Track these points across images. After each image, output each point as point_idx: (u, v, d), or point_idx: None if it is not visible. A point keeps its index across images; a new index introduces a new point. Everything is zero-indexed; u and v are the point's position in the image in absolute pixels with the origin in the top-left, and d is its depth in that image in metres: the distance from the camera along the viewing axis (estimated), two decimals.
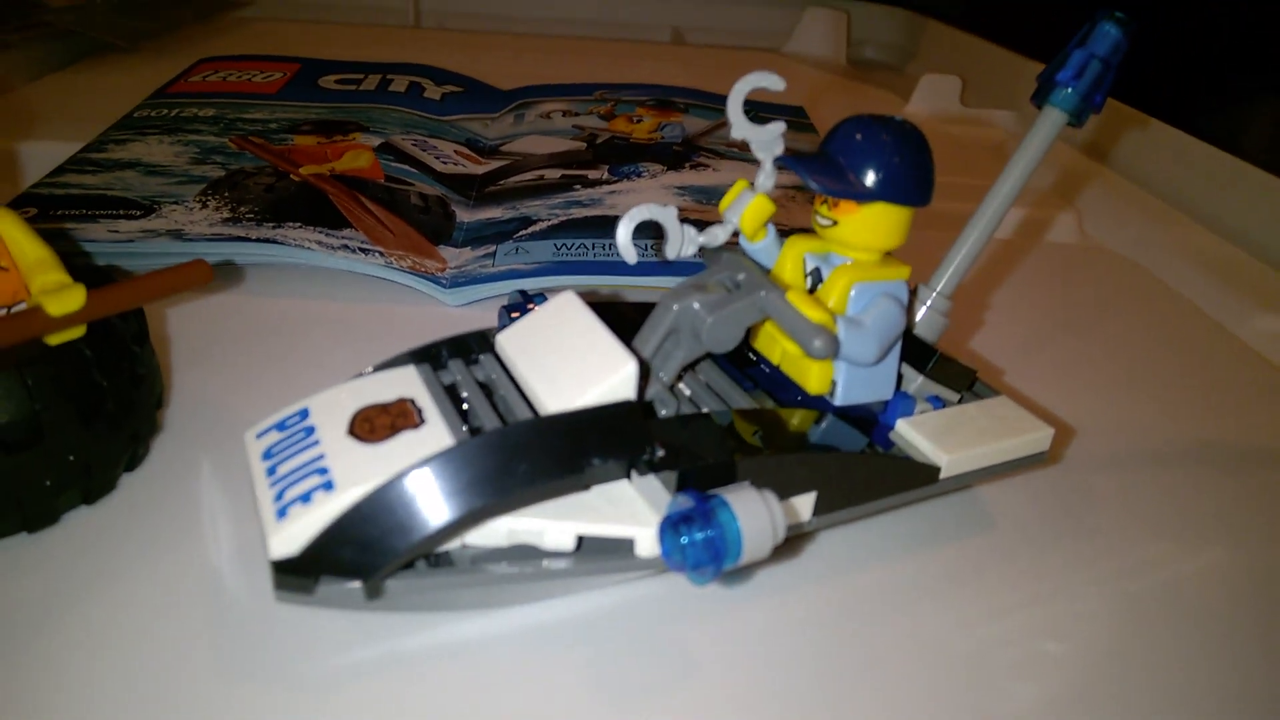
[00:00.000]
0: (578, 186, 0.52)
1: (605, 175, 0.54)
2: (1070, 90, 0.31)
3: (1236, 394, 0.43)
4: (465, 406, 0.28)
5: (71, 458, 0.28)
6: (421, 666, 0.26)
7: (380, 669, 0.25)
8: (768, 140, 0.30)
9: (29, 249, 0.29)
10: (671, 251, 0.31)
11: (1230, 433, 0.40)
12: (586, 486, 0.26)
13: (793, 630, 0.28)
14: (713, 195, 0.53)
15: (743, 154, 0.60)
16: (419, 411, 0.26)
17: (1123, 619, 0.29)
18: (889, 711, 0.26)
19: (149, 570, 0.28)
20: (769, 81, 0.30)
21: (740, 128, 0.30)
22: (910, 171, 0.28)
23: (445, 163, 0.54)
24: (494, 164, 0.56)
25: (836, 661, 0.27)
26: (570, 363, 0.27)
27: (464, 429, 0.26)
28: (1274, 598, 0.31)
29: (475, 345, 0.30)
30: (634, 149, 0.58)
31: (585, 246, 0.46)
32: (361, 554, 0.24)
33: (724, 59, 0.97)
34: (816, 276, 0.31)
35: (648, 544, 0.26)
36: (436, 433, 0.26)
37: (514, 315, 0.33)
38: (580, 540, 0.26)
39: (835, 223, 0.29)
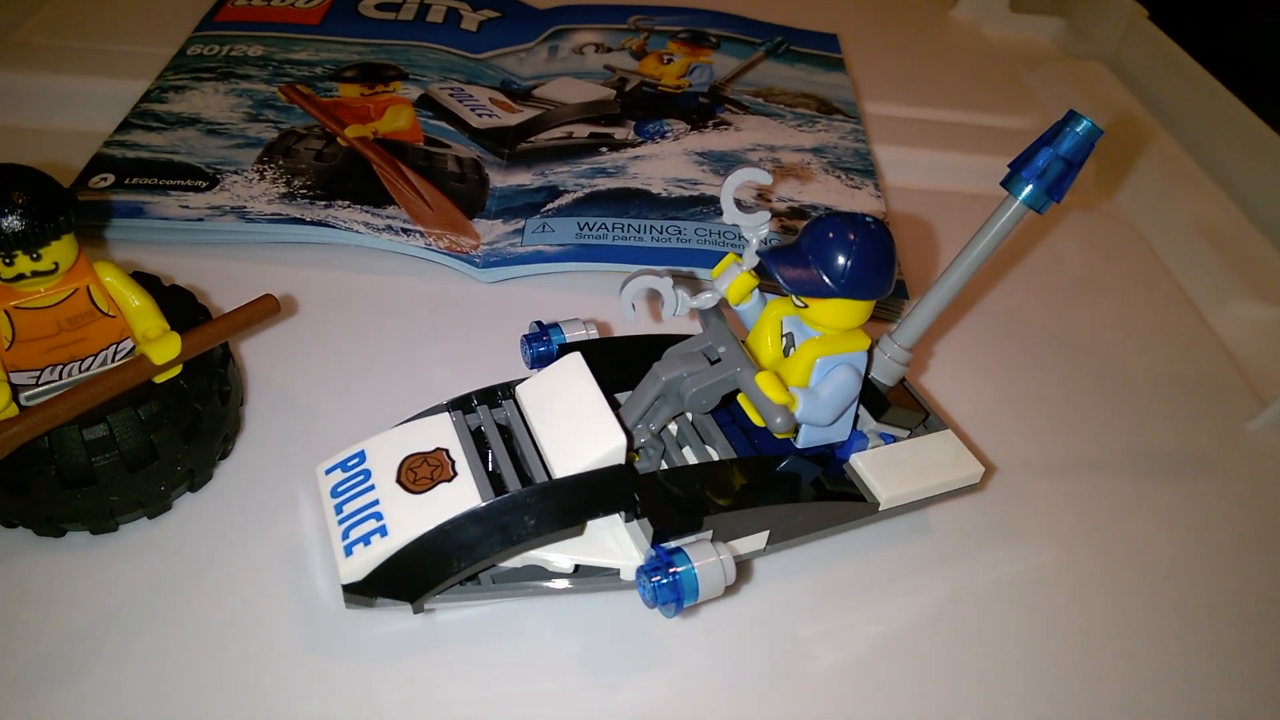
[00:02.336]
0: (604, 150, 0.56)
1: (631, 135, 0.57)
2: (1032, 186, 0.34)
3: (1188, 397, 0.48)
4: (489, 451, 0.35)
5: (179, 467, 0.36)
6: (451, 640, 0.34)
7: (419, 639, 0.33)
8: (754, 225, 0.35)
9: (130, 296, 0.35)
10: (667, 312, 0.36)
11: (1166, 438, 0.45)
12: (581, 531, 0.33)
13: (748, 622, 0.35)
14: (730, 162, 0.56)
15: (765, 106, 0.62)
16: (453, 464, 0.33)
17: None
18: (814, 682, 0.33)
19: (244, 540, 0.36)
20: (758, 177, 0.34)
21: (730, 214, 0.35)
22: (871, 270, 0.33)
23: (481, 114, 0.58)
24: (527, 113, 0.59)
25: (780, 646, 0.35)
26: (573, 428, 0.33)
27: (487, 480, 0.33)
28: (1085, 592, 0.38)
29: (500, 393, 0.36)
30: (661, 100, 0.61)
31: (606, 227, 0.50)
32: (409, 583, 0.31)
33: None
34: (790, 339, 0.36)
35: (629, 571, 0.33)
36: (465, 488, 0.32)
37: (533, 344, 0.39)
38: (576, 566, 0.34)
39: (806, 306, 0.34)
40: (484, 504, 0.32)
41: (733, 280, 0.36)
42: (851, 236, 0.33)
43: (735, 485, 0.34)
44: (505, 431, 0.36)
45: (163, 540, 0.36)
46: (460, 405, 0.36)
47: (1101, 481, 0.43)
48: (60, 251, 0.32)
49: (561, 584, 0.34)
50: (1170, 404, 0.47)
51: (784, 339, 0.36)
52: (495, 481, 0.34)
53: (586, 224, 0.50)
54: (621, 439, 0.32)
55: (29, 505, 0.34)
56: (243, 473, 0.39)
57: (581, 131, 0.58)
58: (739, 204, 0.35)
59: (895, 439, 0.38)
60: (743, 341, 0.36)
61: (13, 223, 0.31)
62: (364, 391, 0.43)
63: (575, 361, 0.35)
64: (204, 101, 0.55)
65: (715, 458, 0.37)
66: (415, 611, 0.32)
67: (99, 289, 0.34)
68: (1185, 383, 0.49)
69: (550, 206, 0.52)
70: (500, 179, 0.54)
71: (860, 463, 0.37)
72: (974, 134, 0.66)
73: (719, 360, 0.34)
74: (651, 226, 0.51)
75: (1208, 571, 0.39)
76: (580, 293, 0.49)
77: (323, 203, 0.49)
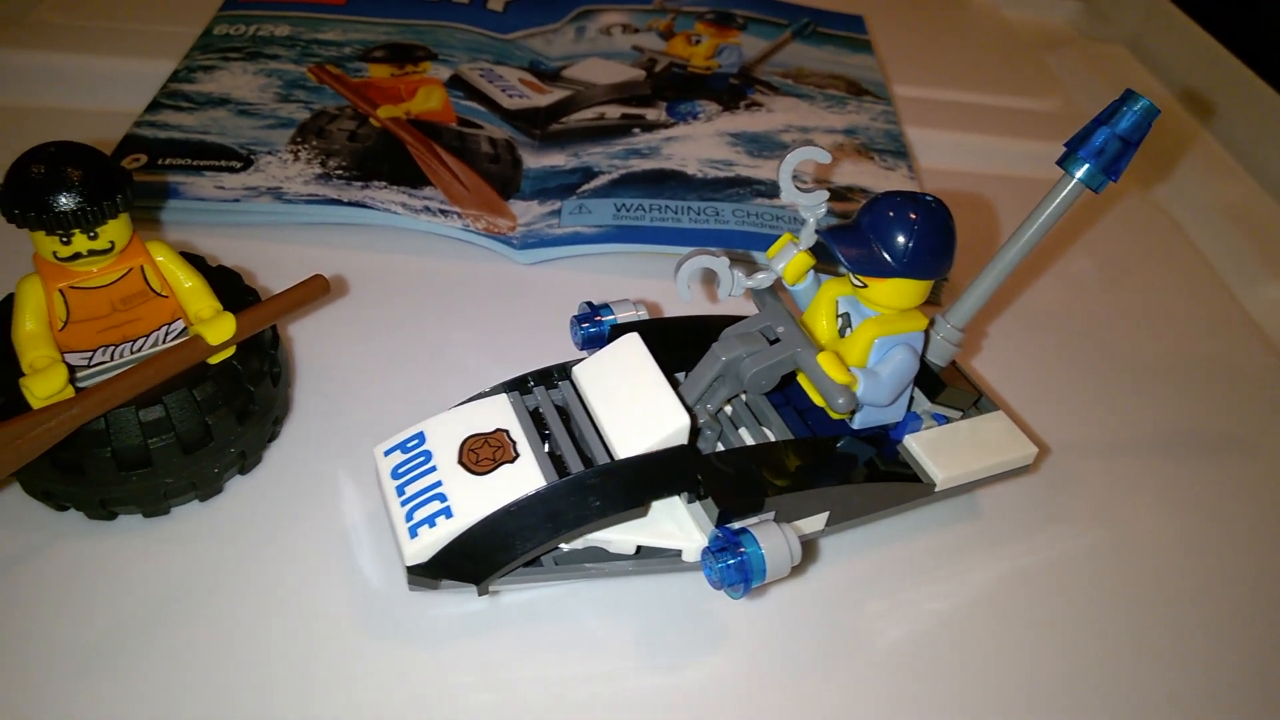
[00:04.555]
0: (636, 130, 0.56)
1: (663, 116, 0.57)
2: (1089, 165, 0.34)
3: (1227, 380, 0.48)
4: (548, 432, 0.34)
5: (232, 449, 0.35)
6: (512, 622, 0.34)
7: (480, 621, 0.33)
8: (812, 205, 0.35)
9: (183, 277, 0.35)
10: (723, 293, 0.36)
11: (1207, 420, 0.45)
12: (645, 512, 0.33)
13: (809, 601, 0.35)
14: (764, 145, 0.56)
15: (795, 87, 0.61)
16: (514, 444, 0.33)
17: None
18: (880, 658, 0.34)
19: (295, 522, 0.36)
20: (817, 155, 0.34)
21: (788, 194, 0.34)
22: (932, 251, 0.33)
23: (511, 95, 0.57)
24: (557, 93, 0.58)
25: (845, 623, 0.35)
26: (635, 409, 0.33)
27: (549, 461, 0.33)
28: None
29: (556, 374, 0.36)
30: (691, 81, 0.61)
31: (643, 208, 0.50)
32: (474, 565, 0.31)
33: None
34: (846, 320, 0.36)
35: (691, 553, 0.33)
36: (528, 469, 0.32)
37: (584, 325, 0.39)
38: (638, 547, 0.34)
39: (865, 285, 0.34)
40: (548, 485, 0.32)
41: (790, 260, 0.35)
42: (913, 215, 0.33)
43: (794, 466, 0.34)
44: (562, 413, 0.35)
45: (214, 523, 0.36)
46: (517, 386, 0.36)
47: (1145, 463, 0.43)
48: (116, 230, 0.32)
49: (623, 566, 0.34)
50: (1209, 387, 0.47)
51: (839, 319, 0.36)
52: (556, 463, 0.33)
53: (624, 205, 0.50)
54: (686, 419, 0.32)
55: (83, 487, 0.33)
56: (291, 455, 0.38)
57: (613, 112, 0.57)
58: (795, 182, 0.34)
59: (948, 420, 0.38)
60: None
61: (71, 201, 0.30)
62: (407, 372, 0.43)
63: (634, 341, 0.35)
64: (233, 81, 0.55)
65: (771, 439, 0.36)
66: (480, 594, 0.32)
67: (153, 269, 0.34)
68: (1223, 366, 0.49)
69: (586, 188, 0.51)
70: (533, 160, 0.53)
71: (915, 443, 0.37)
72: (1000, 116, 0.66)
73: (777, 340, 0.34)
74: (689, 208, 0.50)
75: (1253, 551, 0.40)
76: (618, 274, 0.49)
77: (359, 183, 0.49)
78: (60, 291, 0.32)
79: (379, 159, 0.50)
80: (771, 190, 0.52)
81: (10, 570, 0.34)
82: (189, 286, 0.35)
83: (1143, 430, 0.45)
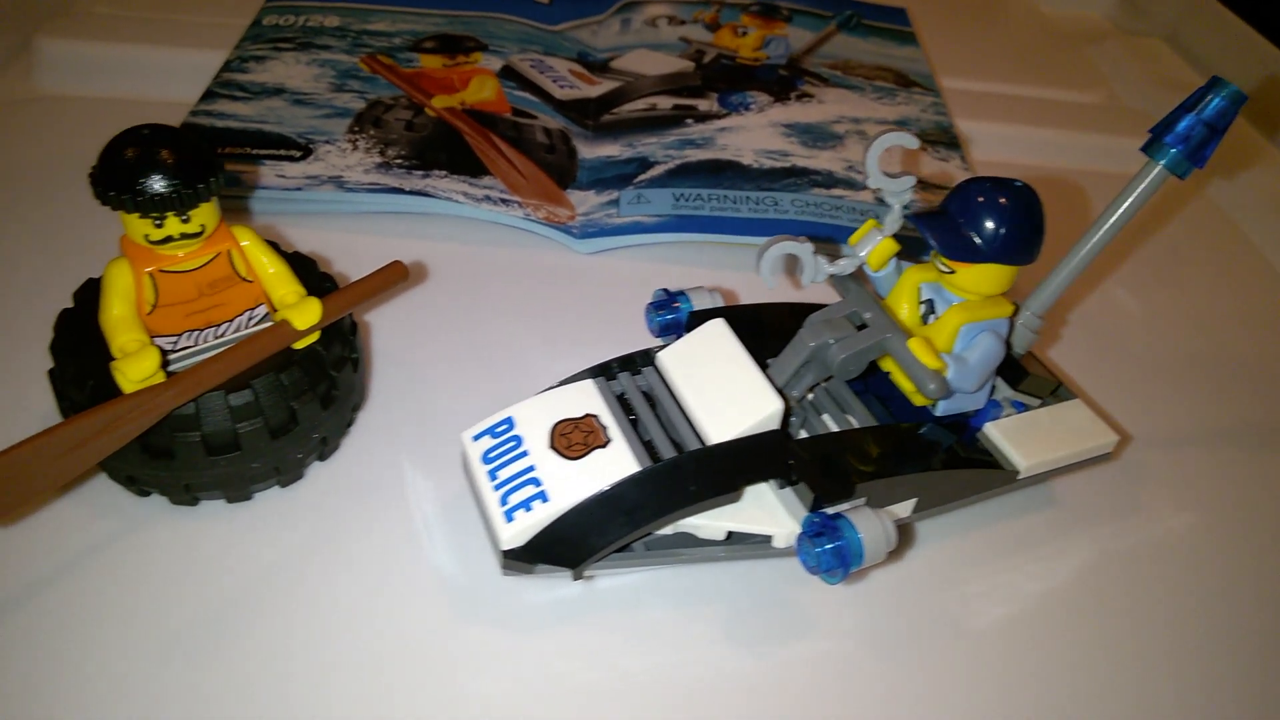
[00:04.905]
0: (689, 121, 0.56)
1: (715, 107, 0.57)
2: (1175, 151, 0.34)
3: None
4: (634, 418, 0.34)
5: (315, 435, 0.35)
6: (605, 606, 0.33)
7: (574, 606, 0.33)
8: (899, 190, 0.34)
9: (267, 262, 0.35)
10: (806, 279, 0.35)
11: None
12: (739, 497, 0.33)
13: (893, 586, 0.35)
14: (818, 135, 0.55)
15: (844, 78, 0.61)
16: (604, 429, 0.33)
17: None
18: (960, 643, 0.33)
19: (376, 508, 0.36)
20: (905, 140, 0.34)
21: (875, 179, 0.34)
22: (1022, 237, 0.33)
23: (563, 86, 0.57)
24: (607, 84, 0.58)
25: (940, 604, 0.35)
26: (725, 394, 0.33)
27: (641, 445, 0.33)
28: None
29: (639, 359, 0.36)
30: (740, 72, 0.60)
31: (702, 198, 0.50)
32: (570, 550, 0.31)
33: None
34: (930, 306, 0.36)
35: (782, 539, 0.33)
36: (621, 453, 0.32)
37: (660, 311, 0.39)
38: (729, 533, 0.33)
39: (953, 271, 0.34)
40: (642, 469, 0.31)
41: (874, 246, 0.35)
42: (1003, 200, 0.33)
43: (880, 453, 0.34)
44: (648, 398, 0.35)
45: (296, 508, 0.36)
46: (601, 372, 0.35)
47: (1220, 452, 0.43)
48: (207, 214, 0.32)
49: (713, 551, 0.34)
50: (1274, 378, 0.48)
51: (921, 305, 0.36)
52: (647, 448, 0.33)
53: (683, 195, 0.50)
54: (778, 404, 0.32)
55: (171, 472, 0.33)
56: (367, 442, 0.38)
57: (665, 103, 0.57)
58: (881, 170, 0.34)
59: (1026, 407, 0.38)
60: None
61: (166, 183, 0.30)
62: (477, 360, 0.42)
63: (720, 327, 0.35)
64: (286, 71, 0.55)
65: (854, 425, 0.36)
66: (575, 579, 0.32)
67: (239, 253, 0.34)
68: None
69: (642, 178, 0.51)
70: (587, 150, 0.53)
71: (996, 431, 0.36)
72: (1047, 109, 0.65)
73: (864, 327, 0.34)
74: (747, 198, 0.50)
75: None
76: (677, 264, 0.49)
77: (419, 172, 0.48)
78: (150, 275, 0.32)
79: (437, 148, 0.50)
80: (827, 180, 0.52)
81: (95, 556, 0.33)
82: (273, 272, 0.35)
83: (1215, 422, 0.45)
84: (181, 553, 0.34)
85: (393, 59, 0.57)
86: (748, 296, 0.46)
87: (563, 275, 0.47)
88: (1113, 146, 0.60)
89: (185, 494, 0.34)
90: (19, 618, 0.31)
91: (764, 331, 0.36)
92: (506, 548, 0.31)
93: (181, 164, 0.30)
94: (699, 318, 0.37)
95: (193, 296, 0.33)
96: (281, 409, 0.34)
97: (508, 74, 0.57)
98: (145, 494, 0.35)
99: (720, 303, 0.39)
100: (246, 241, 0.34)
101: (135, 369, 0.31)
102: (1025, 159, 0.60)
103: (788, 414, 0.33)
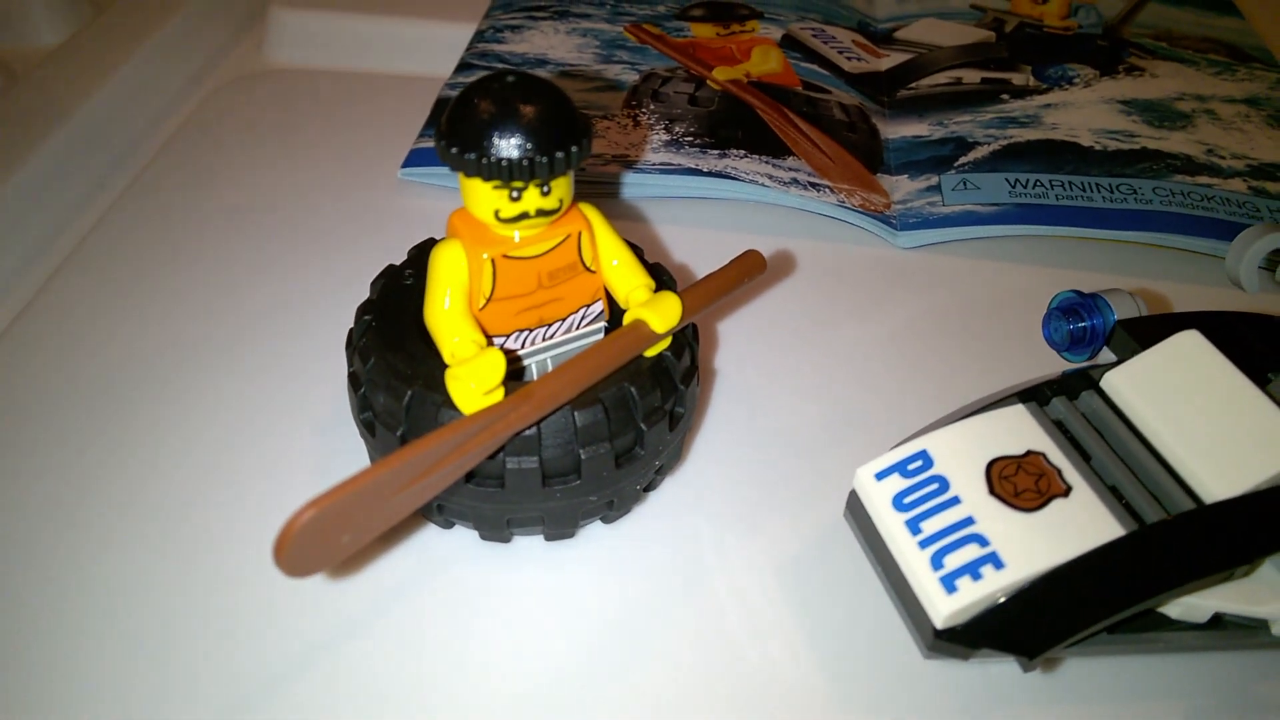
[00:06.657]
0: (1005, 96, 0.47)
1: (1031, 81, 0.48)
2: None
3: None
4: (1088, 457, 0.27)
5: (658, 463, 0.29)
6: (1052, 698, 0.26)
7: (1015, 692, 0.26)
8: None
9: (613, 250, 0.28)
10: None
11: None
12: (1248, 571, 0.25)
13: None
14: (1163, 114, 0.46)
15: (1171, 50, 0.52)
16: (1058, 472, 0.25)
17: None
18: None
19: (718, 551, 0.29)
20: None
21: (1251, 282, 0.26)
22: None
23: (849, 58, 0.50)
24: (895, 56, 0.51)
25: None
26: (1221, 431, 0.25)
27: (1110, 495, 0.25)
28: None
29: (1078, 382, 0.28)
30: (1051, 43, 0.52)
31: (1043, 184, 0.42)
32: (1028, 635, 0.24)
33: None
34: None
35: None
36: (1092, 507, 0.24)
37: (1070, 318, 0.31)
38: (1216, 614, 0.25)
39: None
40: (1127, 532, 0.24)
41: None
42: None
43: None
44: (1099, 433, 0.27)
45: (624, 550, 0.29)
46: (1033, 396, 0.28)
47: None
48: (565, 187, 0.26)
49: (1193, 639, 0.26)
50: None
51: None
52: (1129, 513, 0.25)
53: (1018, 181, 0.42)
54: None
55: (496, 503, 0.27)
56: (698, 471, 0.32)
57: (971, 77, 0.49)
58: None
59: None
60: None
61: (533, 146, 0.24)
62: (816, 372, 0.35)
63: (1197, 341, 0.27)
64: (546, 41, 0.49)
65: None
66: (1025, 670, 0.24)
67: (589, 238, 0.27)
68: None
69: (965, 161, 0.43)
70: (889, 129, 0.46)
71: None
72: None
73: None
74: (1098, 185, 0.42)
75: None
76: (1023, 263, 0.40)
77: (715, 152, 0.42)
78: (490, 261, 0.26)
79: (730, 125, 0.43)
80: (1188, 166, 0.43)
81: (400, 597, 0.28)
82: (618, 262, 0.28)
83: None
84: (493, 600, 0.28)
85: (660, 28, 0.50)
86: (1193, 303, 0.37)
87: (881, 273, 0.40)
88: None
89: (504, 529, 0.28)
90: (318, 673, 0.26)
91: (1251, 351, 0.27)
92: (944, 625, 0.24)
93: (549, 122, 0.24)
94: (1135, 330, 0.29)
95: (530, 289, 0.27)
96: (630, 430, 0.27)
97: (789, 44, 0.50)
98: (449, 525, 0.29)
99: (1145, 310, 0.31)
100: (595, 223, 0.28)
101: (483, 379, 0.25)
102: None
103: None
